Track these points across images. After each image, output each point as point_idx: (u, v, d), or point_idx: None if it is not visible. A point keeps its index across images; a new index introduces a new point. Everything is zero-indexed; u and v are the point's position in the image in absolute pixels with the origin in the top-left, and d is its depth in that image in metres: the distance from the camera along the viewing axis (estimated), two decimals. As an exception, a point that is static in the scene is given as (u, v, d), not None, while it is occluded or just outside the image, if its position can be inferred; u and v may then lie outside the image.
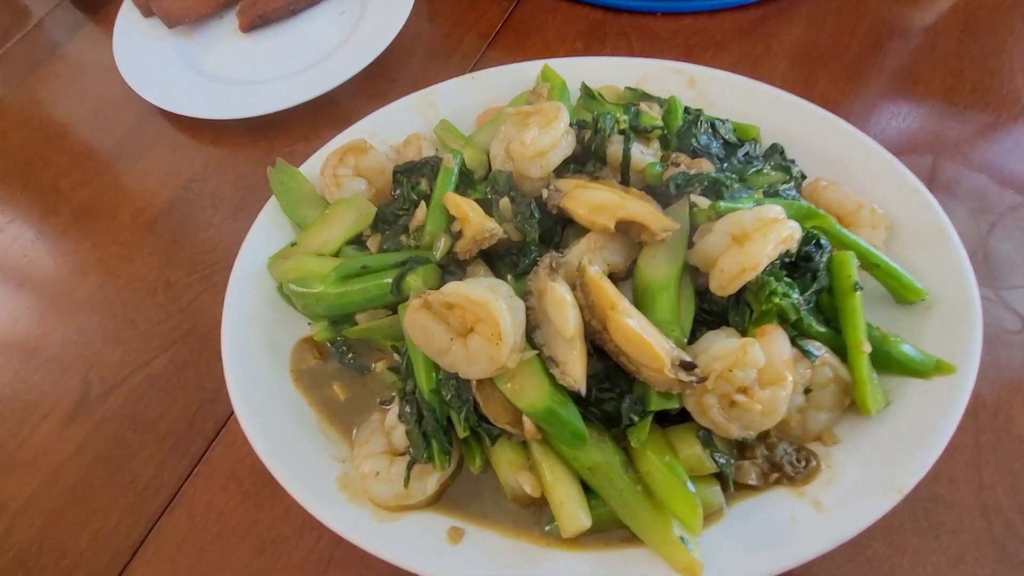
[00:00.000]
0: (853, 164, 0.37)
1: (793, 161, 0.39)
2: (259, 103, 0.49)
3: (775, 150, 0.39)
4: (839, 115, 0.45)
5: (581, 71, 0.42)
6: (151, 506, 0.36)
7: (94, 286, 0.44)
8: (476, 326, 0.28)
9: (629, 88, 0.42)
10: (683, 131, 0.36)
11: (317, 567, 0.33)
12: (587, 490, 0.30)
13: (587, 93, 0.40)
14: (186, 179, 0.49)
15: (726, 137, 0.37)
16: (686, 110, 0.39)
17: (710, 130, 0.36)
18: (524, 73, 0.43)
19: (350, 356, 0.36)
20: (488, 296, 0.28)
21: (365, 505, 0.30)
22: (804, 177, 0.38)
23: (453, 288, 0.28)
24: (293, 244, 0.37)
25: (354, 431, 0.34)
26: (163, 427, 0.39)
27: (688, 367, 0.27)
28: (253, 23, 0.54)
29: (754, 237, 0.28)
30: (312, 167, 0.41)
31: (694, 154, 0.35)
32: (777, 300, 0.29)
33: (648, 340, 0.27)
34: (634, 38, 0.52)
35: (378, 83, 0.51)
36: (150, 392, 0.40)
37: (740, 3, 0.52)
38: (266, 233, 0.39)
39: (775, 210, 0.29)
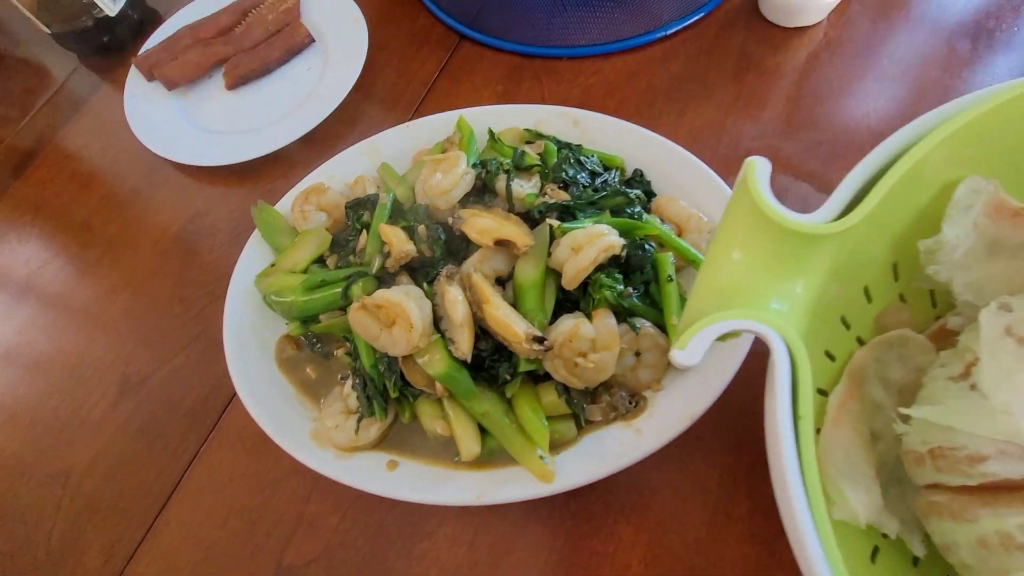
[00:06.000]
0: (688, 183, 0.49)
1: (649, 183, 0.51)
2: (244, 151, 0.61)
3: (636, 174, 0.51)
4: (701, 139, 0.58)
5: (491, 118, 0.55)
6: (180, 463, 0.49)
7: (125, 303, 0.57)
8: (397, 320, 0.41)
9: (527, 129, 0.54)
10: (555, 166, 0.48)
11: (302, 497, 0.46)
12: (483, 431, 0.42)
13: (492, 137, 0.52)
14: (190, 215, 0.61)
15: (591, 168, 0.49)
16: (566, 146, 0.51)
17: (576, 164, 0.48)
18: (447, 121, 0.55)
19: (318, 346, 0.48)
20: (403, 298, 0.40)
21: (329, 449, 0.43)
22: (652, 196, 0.50)
23: (380, 294, 0.41)
24: (272, 265, 0.50)
25: (322, 400, 0.46)
26: (184, 406, 0.52)
27: (539, 340, 0.40)
28: (236, 81, 0.67)
29: (585, 248, 0.40)
30: (284, 205, 0.53)
31: (565, 184, 0.48)
32: (606, 292, 0.41)
33: (509, 323, 0.39)
34: (544, 80, 0.64)
35: (339, 127, 0.64)
36: (173, 381, 0.53)
37: (629, 47, 0.64)
38: (252, 258, 0.51)
39: (601, 228, 0.41)
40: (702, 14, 0.64)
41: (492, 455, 0.42)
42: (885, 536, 0.28)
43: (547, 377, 0.42)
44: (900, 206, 0.28)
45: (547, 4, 0.65)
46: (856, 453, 0.29)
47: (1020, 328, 0.24)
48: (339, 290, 0.45)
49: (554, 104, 0.62)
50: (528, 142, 0.54)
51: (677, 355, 0.23)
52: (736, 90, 0.60)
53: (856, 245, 0.28)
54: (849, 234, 0.25)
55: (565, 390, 0.42)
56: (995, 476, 0.24)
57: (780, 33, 0.63)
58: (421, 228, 0.45)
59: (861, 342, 0.33)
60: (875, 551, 0.28)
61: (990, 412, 0.24)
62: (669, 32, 0.63)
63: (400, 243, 0.44)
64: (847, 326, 0.32)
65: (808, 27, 0.62)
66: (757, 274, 0.25)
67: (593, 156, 0.50)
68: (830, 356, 0.32)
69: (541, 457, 0.40)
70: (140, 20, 0.74)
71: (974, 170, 0.29)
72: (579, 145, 0.52)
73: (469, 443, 0.41)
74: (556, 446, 0.42)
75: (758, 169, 0.25)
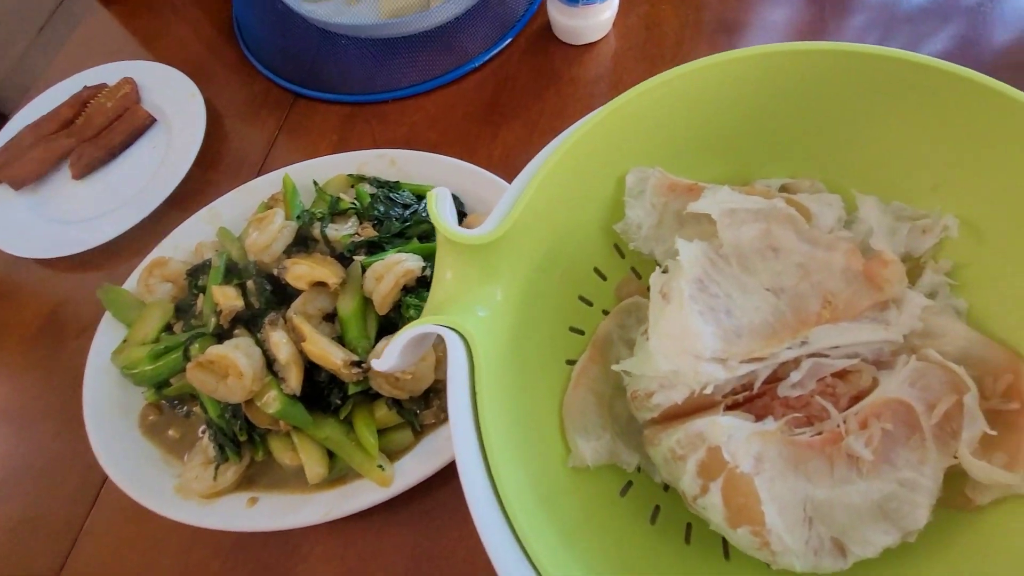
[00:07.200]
0: (495, 199, 0.56)
1: (463, 205, 0.57)
2: (97, 236, 0.64)
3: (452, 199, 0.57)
4: (513, 155, 0.65)
5: (317, 169, 0.60)
6: (65, 543, 0.52)
7: (3, 398, 0.59)
8: (229, 371, 0.45)
9: (351, 175, 0.60)
10: (368, 207, 0.54)
11: (183, 550, 0.50)
12: (332, 454, 0.47)
13: (317, 187, 0.58)
14: (53, 306, 0.64)
15: (402, 202, 0.55)
16: (384, 185, 0.57)
17: (387, 201, 0.54)
18: (277, 179, 0.60)
19: (179, 407, 0.52)
20: (229, 351, 0.45)
21: (193, 498, 0.47)
22: (464, 216, 0.56)
23: (210, 350, 0.45)
24: (125, 340, 0.53)
25: (186, 456, 0.50)
26: (65, 489, 0.54)
27: (357, 364, 0.45)
28: (83, 171, 0.70)
29: (385, 276, 0.46)
30: (132, 281, 0.57)
31: (379, 220, 0.53)
32: (412, 311, 0.47)
33: (325, 354, 0.44)
34: (374, 123, 0.70)
35: (187, 199, 0.67)
36: (57, 460, 0.55)
37: (445, 82, 0.70)
38: (106, 336, 0.55)
39: (398, 257, 0.47)
40: (505, 43, 0.71)
41: (343, 473, 0.47)
42: (640, 471, 0.34)
43: (380, 395, 0.48)
44: (577, 202, 0.35)
45: (363, 58, 0.71)
46: (591, 409, 0.35)
47: (666, 287, 0.31)
48: (180, 353, 0.49)
49: (385, 143, 0.68)
50: (352, 185, 0.59)
51: (374, 362, 0.28)
52: (540, 107, 0.68)
53: (554, 243, 0.35)
54: (517, 239, 0.31)
55: (396, 403, 0.47)
56: (662, 406, 0.30)
57: (573, 51, 0.71)
58: (249, 283, 0.50)
59: (607, 313, 0.40)
60: (628, 485, 0.34)
61: (650, 355, 0.30)
62: (478, 64, 0.71)
63: (227, 300, 0.48)
64: (589, 303, 0.39)
65: (596, 42, 0.71)
66: (462, 287, 0.31)
67: (405, 191, 0.56)
68: (578, 331, 0.38)
69: (380, 466, 0.45)
70: (-17, 125, 0.76)
71: (636, 162, 0.37)
72: (397, 182, 0.58)
73: (314, 467, 0.45)
74: (397, 453, 0.47)
75: (437, 199, 0.31)
